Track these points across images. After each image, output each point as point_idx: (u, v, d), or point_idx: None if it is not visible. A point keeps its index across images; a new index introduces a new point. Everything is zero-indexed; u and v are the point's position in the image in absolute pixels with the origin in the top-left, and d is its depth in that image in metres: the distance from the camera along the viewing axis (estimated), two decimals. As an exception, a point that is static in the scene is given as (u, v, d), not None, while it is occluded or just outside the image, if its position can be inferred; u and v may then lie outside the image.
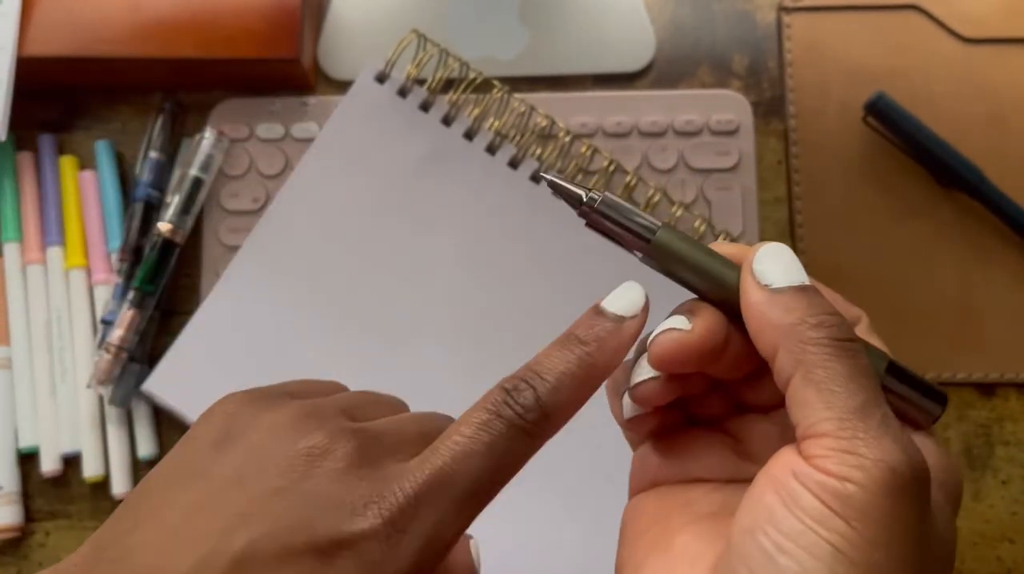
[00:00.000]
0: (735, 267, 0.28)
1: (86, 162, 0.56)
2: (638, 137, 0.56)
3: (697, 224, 0.52)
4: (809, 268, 0.56)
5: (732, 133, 0.55)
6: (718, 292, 0.28)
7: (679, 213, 0.52)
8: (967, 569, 0.51)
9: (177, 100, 0.57)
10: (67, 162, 0.56)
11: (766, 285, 0.26)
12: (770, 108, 0.57)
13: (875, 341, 0.29)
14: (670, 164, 0.55)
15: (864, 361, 0.25)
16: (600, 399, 0.31)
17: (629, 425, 0.30)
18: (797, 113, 0.56)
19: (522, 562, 0.48)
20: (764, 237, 0.55)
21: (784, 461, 0.24)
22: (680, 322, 0.27)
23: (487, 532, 0.30)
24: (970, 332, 0.53)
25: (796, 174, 0.55)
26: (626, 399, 0.29)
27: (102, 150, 0.56)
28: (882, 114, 0.55)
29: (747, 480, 0.27)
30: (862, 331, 0.29)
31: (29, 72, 0.53)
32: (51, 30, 0.54)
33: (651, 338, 0.28)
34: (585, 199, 0.28)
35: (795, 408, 0.25)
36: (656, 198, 0.52)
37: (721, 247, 0.29)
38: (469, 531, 0.26)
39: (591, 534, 0.49)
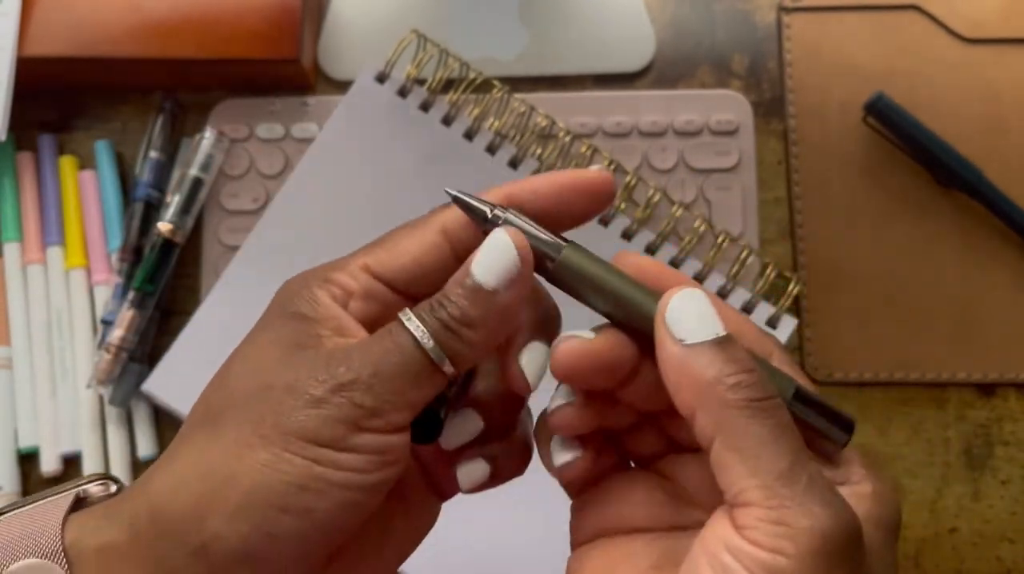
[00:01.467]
0: (650, 294, 0.27)
1: (86, 162, 0.56)
2: (638, 137, 0.56)
3: (697, 224, 0.52)
4: (809, 268, 0.56)
5: (732, 133, 0.55)
6: (630, 319, 0.27)
7: (679, 213, 0.52)
8: (967, 569, 0.51)
9: (177, 100, 0.57)
10: (67, 162, 0.56)
11: (680, 339, 0.25)
12: (770, 108, 0.57)
13: (788, 368, 0.28)
14: (670, 164, 0.55)
15: (785, 417, 0.24)
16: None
17: (559, 473, 0.29)
18: (797, 113, 0.56)
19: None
20: (764, 237, 0.55)
21: (717, 533, 0.24)
22: (583, 332, 0.27)
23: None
24: (969, 332, 0.53)
25: (796, 174, 0.55)
26: (554, 444, 0.29)
27: (102, 150, 0.56)
28: (882, 114, 0.55)
29: (688, 527, 0.27)
30: (777, 361, 0.28)
31: (29, 72, 0.53)
32: (51, 30, 0.54)
33: (553, 345, 0.27)
34: (489, 216, 0.27)
35: (719, 473, 0.24)
36: (656, 198, 0.52)
37: (639, 260, 0.28)
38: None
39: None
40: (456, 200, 0.28)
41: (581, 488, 0.30)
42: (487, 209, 0.27)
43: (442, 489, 0.30)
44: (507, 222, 0.27)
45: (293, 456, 0.24)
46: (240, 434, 0.25)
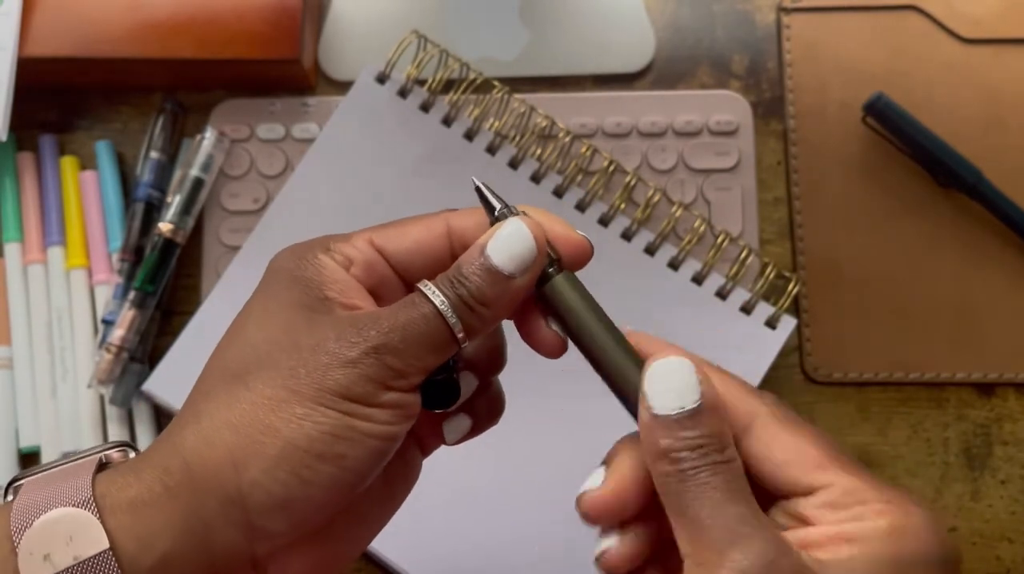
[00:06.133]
0: (622, 348, 0.29)
1: (87, 162, 0.56)
2: (638, 137, 0.56)
3: (697, 224, 0.52)
4: (809, 268, 0.56)
5: (732, 133, 0.55)
6: (601, 368, 0.29)
7: (679, 213, 0.52)
8: (967, 569, 0.51)
9: (178, 100, 0.57)
10: (68, 162, 0.56)
11: (650, 407, 0.27)
12: (770, 108, 0.57)
13: (778, 429, 0.29)
14: (670, 164, 0.55)
15: (734, 475, 0.26)
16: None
17: (599, 565, 0.30)
18: (796, 113, 0.56)
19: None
20: (764, 237, 0.55)
21: None
22: (595, 479, 0.29)
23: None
24: (969, 332, 0.53)
25: (795, 174, 0.56)
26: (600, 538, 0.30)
27: (103, 150, 0.56)
28: (881, 114, 0.55)
29: None
30: (765, 420, 0.29)
31: (30, 72, 0.53)
32: (52, 30, 0.54)
33: (576, 497, 0.29)
34: (497, 212, 0.29)
35: (679, 537, 0.27)
36: (656, 198, 0.52)
37: (634, 336, 0.30)
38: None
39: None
40: (477, 189, 0.30)
41: None
42: (499, 205, 0.29)
43: (424, 445, 0.33)
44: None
45: (327, 409, 0.26)
46: (271, 389, 0.27)
